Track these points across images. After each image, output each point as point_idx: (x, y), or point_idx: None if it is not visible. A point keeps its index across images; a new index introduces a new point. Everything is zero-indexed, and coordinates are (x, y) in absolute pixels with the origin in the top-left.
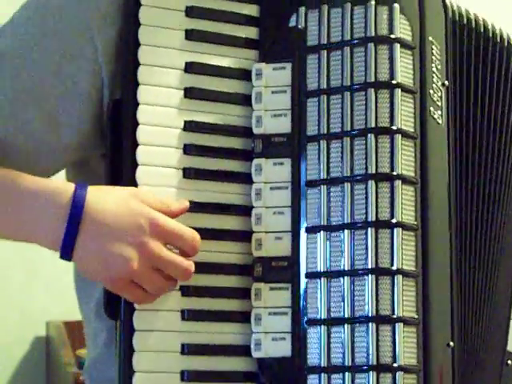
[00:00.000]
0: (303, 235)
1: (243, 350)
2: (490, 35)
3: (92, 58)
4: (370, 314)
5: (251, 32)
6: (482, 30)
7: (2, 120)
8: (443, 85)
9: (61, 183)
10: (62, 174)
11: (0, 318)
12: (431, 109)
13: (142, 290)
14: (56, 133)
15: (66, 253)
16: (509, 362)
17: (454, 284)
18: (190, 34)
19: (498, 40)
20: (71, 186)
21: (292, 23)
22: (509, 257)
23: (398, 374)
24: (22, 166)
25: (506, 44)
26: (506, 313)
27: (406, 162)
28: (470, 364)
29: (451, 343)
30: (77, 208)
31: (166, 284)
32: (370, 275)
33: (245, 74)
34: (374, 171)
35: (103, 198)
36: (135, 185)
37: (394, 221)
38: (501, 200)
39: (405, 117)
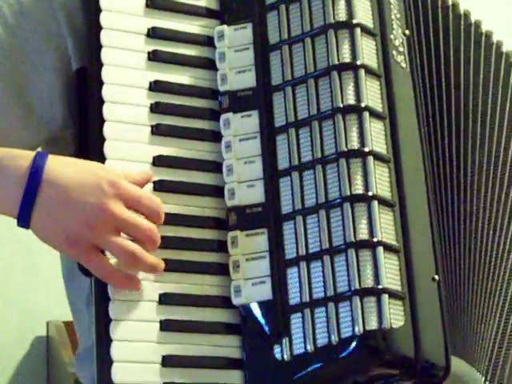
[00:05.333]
0: (276, 179)
1: (224, 300)
2: None
3: (56, 32)
4: (348, 241)
5: (212, 2)
6: None
7: None
8: (404, 34)
9: (23, 151)
10: None
11: (0, 318)
12: (394, 52)
13: (104, 259)
14: (26, 107)
15: (24, 218)
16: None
17: (433, 218)
18: (151, 3)
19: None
20: (32, 153)
21: None
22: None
23: (382, 296)
24: None
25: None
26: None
27: (371, 97)
28: (454, 302)
29: (436, 276)
30: (36, 171)
31: (138, 249)
32: (345, 203)
33: (208, 41)
34: (340, 105)
35: (65, 163)
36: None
37: (366, 149)
38: (467, 142)
39: (367, 55)
